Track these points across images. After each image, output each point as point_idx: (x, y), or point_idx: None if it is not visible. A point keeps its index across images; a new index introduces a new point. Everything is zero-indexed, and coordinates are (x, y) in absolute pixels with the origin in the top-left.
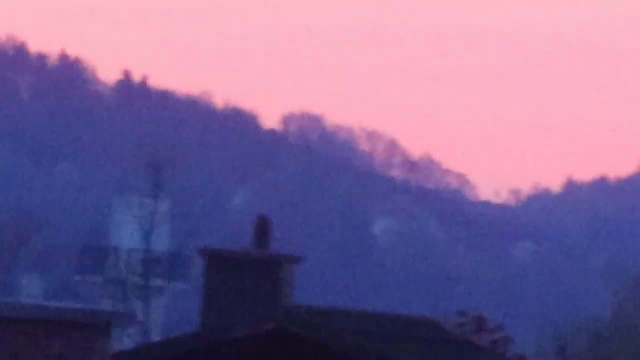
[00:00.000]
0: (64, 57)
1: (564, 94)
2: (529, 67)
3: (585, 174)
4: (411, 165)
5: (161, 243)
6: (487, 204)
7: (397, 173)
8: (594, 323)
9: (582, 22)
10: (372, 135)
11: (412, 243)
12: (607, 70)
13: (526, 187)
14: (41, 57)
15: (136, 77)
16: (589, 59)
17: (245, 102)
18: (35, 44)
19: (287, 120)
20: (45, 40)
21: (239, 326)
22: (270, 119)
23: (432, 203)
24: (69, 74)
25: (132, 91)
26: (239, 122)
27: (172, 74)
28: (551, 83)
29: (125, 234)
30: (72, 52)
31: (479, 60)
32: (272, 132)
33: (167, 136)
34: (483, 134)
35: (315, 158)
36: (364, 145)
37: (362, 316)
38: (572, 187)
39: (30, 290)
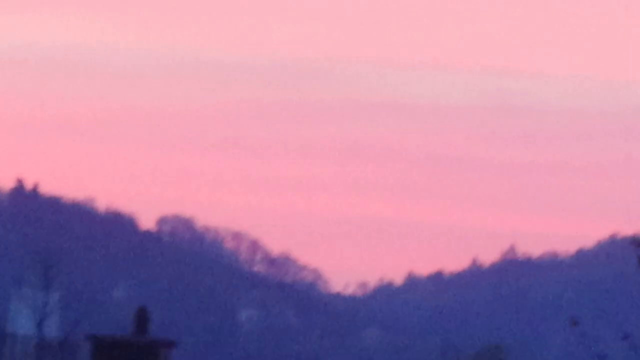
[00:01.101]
0: None
1: (404, 196)
2: (366, 173)
3: (424, 268)
4: (271, 261)
5: (52, 330)
6: (338, 296)
7: (259, 268)
8: None
9: (407, 134)
10: (236, 236)
11: (273, 330)
12: (443, 175)
13: (372, 280)
14: None
15: (28, 184)
16: (429, 166)
17: (125, 206)
18: None
19: (161, 222)
20: None
21: None
22: (146, 221)
23: (290, 295)
24: None
25: (24, 197)
26: (119, 223)
27: (61, 181)
28: (388, 187)
29: (20, 322)
30: None
31: (332, 169)
32: (148, 233)
33: (56, 236)
34: (335, 232)
35: (186, 255)
36: (229, 244)
37: None
38: (412, 280)
39: None
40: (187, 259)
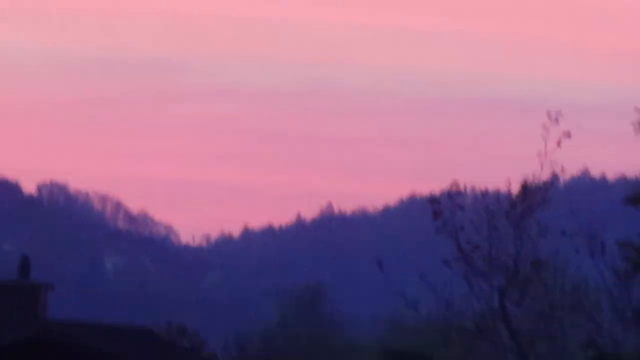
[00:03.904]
0: None
1: (238, 162)
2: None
3: (257, 222)
4: (131, 218)
5: None
6: (187, 246)
7: (121, 225)
8: (265, 329)
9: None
10: (103, 197)
11: (133, 275)
12: (271, 145)
13: (214, 233)
14: None
15: None
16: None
17: (10, 173)
18: None
19: (41, 187)
20: None
21: (3, 338)
22: (29, 186)
23: (147, 246)
24: None
25: None
26: (5, 188)
27: None
28: (227, 156)
29: None
30: None
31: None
32: (30, 196)
33: None
34: (184, 193)
35: (62, 215)
36: (97, 204)
37: (99, 327)
38: (247, 232)
39: None
40: (63, 219)
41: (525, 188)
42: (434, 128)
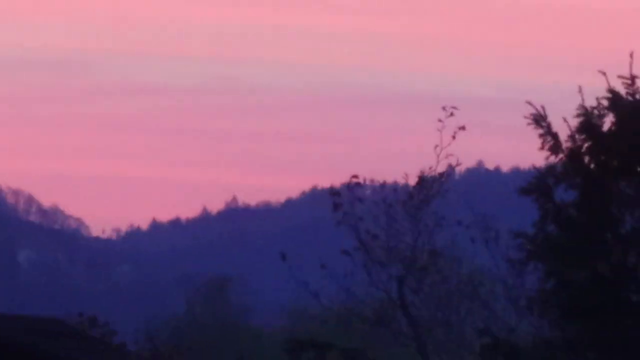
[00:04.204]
0: None
1: (147, 158)
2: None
3: (165, 215)
4: (43, 212)
5: None
6: (97, 239)
7: (34, 218)
8: (174, 319)
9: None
10: (15, 192)
11: (46, 267)
12: (171, 140)
13: (124, 226)
14: None
15: None
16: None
17: None
18: None
19: None
20: None
21: None
22: None
23: (59, 239)
24: None
25: None
26: None
27: None
28: (136, 152)
29: None
30: None
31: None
32: None
33: None
34: (94, 188)
35: None
36: (10, 199)
37: (9, 318)
38: (156, 225)
39: None
40: None
41: (421, 180)
42: (334, 123)
